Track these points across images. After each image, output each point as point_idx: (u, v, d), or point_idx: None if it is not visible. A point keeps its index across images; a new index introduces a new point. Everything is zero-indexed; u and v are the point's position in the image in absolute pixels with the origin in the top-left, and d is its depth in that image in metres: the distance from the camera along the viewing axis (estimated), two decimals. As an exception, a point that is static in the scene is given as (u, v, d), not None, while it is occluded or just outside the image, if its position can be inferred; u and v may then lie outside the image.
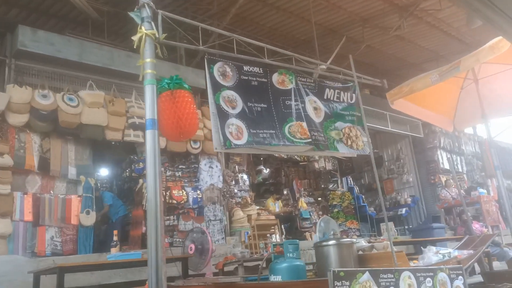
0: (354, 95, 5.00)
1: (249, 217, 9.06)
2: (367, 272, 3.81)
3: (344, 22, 10.88)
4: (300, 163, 10.58)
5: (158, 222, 2.98)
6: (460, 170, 14.67)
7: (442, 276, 4.51)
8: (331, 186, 11.28)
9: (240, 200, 9.14)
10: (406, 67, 13.47)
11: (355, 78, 4.66)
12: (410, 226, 11.93)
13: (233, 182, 9.26)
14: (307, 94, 4.59)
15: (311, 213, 10.79)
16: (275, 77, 4.38)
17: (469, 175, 14.94)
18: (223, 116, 3.83)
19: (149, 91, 3.00)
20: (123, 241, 8.47)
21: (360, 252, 4.61)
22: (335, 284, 3.53)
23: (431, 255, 5.06)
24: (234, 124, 3.85)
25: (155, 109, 3.00)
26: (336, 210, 10.92)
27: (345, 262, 4.25)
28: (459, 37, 11.77)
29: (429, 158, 14.12)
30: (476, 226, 7.63)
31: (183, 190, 8.36)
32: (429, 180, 13.88)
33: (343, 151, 4.79)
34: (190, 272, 5.28)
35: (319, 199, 11.40)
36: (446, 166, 14.13)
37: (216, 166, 8.98)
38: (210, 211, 8.54)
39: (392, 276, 4.02)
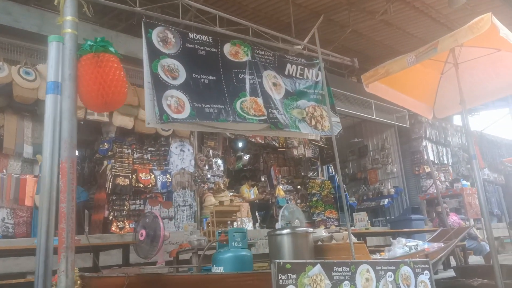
0: (320, 72, 4.61)
1: (221, 203, 8.72)
2: (318, 265, 3.47)
3: (330, 5, 10.44)
4: (278, 150, 10.21)
5: (52, 205, 2.58)
6: (446, 161, 14.41)
7: (405, 270, 4.19)
8: (311, 174, 10.94)
9: (213, 185, 8.78)
10: (394, 55, 13.07)
11: (320, 54, 4.27)
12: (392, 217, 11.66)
13: (206, 167, 8.89)
14: (265, 69, 4.19)
15: (289, 201, 10.45)
16: (227, 48, 3.97)
17: (454, 167, 14.69)
18: (160, 86, 3.43)
19: (53, 49, 2.59)
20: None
21: (320, 243, 4.28)
22: (279, 277, 3.18)
23: (398, 247, 4.74)
24: (174, 96, 3.45)
25: (59, 70, 2.59)
26: (315, 199, 10.60)
27: (299, 253, 3.91)
28: (448, 25, 11.37)
29: (414, 149, 13.84)
30: (453, 218, 7.34)
31: (151, 174, 7.98)
32: (414, 171, 13.62)
33: (305, 131, 4.41)
34: (141, 261, 4.93)
35: (299, 187, 11.07)
36: (431, 157, 13.86)
37: (188, 150, 8.60)
38: (180, 196, 8.18)
39: (348, 269, 3.68)
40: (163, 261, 4.95)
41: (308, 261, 3.38)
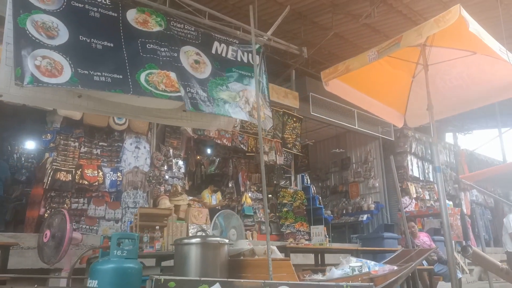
0: (258, 57, 3.98)
1: (177, 207, 8.05)
2: (217, 284, 2.80)
3: (313, 6, 9.86)
4: (247, 154, 9.55)
5: None
6: (432, 179, 13.74)
7: (339, 295, 3.51)
8: (283, 183, 10.27)
9: (170, 188, 8.11)
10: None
11: (253, 35, 3.65)
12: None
13: (165, 168, 8.22)
14: (184, 43, 3.57)
15: (257, 210, 9.78)
16: (132, 14, 3.35)
17: (440, 186, 13.99)
18: (27, 43, 2.80)
19: None
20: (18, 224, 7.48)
21: (242, 257, 3.61)
22: (157, 297, 2.52)
23: (340, 268, 4.07)
24: (48, 57, 2.83)
25: None
26: (285, 209, 9.90)
27: (209, 268, 3.24)
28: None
29: (398, 164, 13.17)
30: (423, 239, 6.68)
31: (99, 170, 7.31)
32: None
33: (237, 115, 3.78)
34: (43, 266, 4.26)
35: (269, 196, 10.39)
36: (416, 173, 13.23)
37: (144, 147, 7.95)
38: (130, 197, 7.50)
39: (260, 291, 3.02)
40: (69, 269, 4.26)
41: (202, 279, 2.72)
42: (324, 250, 5.50)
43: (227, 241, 3.41)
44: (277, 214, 9.93)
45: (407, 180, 12.85)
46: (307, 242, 8.80)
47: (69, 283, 2.91)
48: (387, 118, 6.29)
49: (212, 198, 8.74)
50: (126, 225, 7.27)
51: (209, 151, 10.52)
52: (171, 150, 8.39)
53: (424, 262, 6.20)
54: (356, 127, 12.05)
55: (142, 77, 3.16)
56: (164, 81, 3.23)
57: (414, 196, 12.71)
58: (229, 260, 3.42)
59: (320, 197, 11.24)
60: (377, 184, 12.94)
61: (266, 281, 3.08)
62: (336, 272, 3.94)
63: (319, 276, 4.23)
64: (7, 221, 7.74)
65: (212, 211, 8.60)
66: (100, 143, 7.58)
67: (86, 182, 7.08)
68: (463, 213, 10.69)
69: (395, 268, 4.31)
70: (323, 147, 14.64)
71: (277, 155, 9.68)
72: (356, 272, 3.97)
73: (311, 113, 10.76)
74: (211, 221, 8.25)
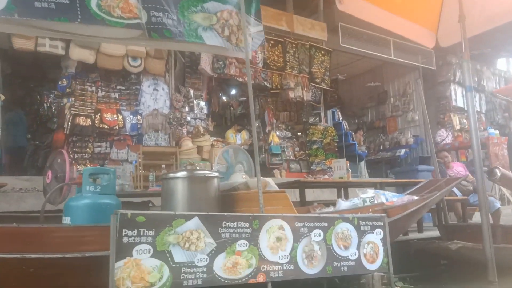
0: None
1: (200, 148, 7.95)
2: (195, 218, 2.59)
3: None
4: (271, 91, 9.13)
5: None
6: (478, 109, 12.74)
7: (343, 227, 3.23)
8: (312, 120, 9.84)
9: (192, 129, 7.96)
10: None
11: None
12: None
13: (186, 109, 8.03)
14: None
15: (285, 149, 9.51)
16: None
17: (488, 115, 13.02)
18: None
19: None
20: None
21: (235, 192, 3.37)
22: (124, 233, 2.34)
23: (348, 200, 3.76)
24: None
25: None
26: (315, 146, 9.55)
27: (197, 202, 3.04)
28: None
29: (440, 94, 12.29)
30: (458, 169, 6.15)
31: (118, 114, 7.25)
32: (438, 119, 12.14)
33: (212, 42, 3.38)
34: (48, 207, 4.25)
35: (299, 134, 10.04)
36: (460, 103, 12.28)
37: (163, 89, 7.76)
38: (152, 139, 7.44)
39: (247, 225, 2.78)
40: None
41: (177, 213, 2.50)
42: (343, 184, 5.19)
43: (216, 174, 3.18)
44: (306, 152, 9.62)
45: (449, 111, 11.98)
46: (326, 177, 8.50)
47: (41, 219, 2.83)
48: (416, 38, 5.60)
49: (237, 137, 8.54)
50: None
51: (233, 91, 10.17)
52: (191, 91, 8.14)
53: (458, 193, 5.75)
54: (392, 57, 11.16)
55: (94, 2, 2.81)
56: (120, 5, 2.86)
57: (458, 127, 11.86)
58: (221, 195, 3.21)
59: (353, 133, 10.71)
60: (417, 117, 12.18)
61: (254, 214, 2.85)
62: (343, 204, 3.64)
63: (330, 210, 3.97)
64: (39, 167, 7.98)
65: (238, 151, 8.46)
66: (118, 87, 7.46)
67: (106, 126, 7.05)
68: (511, 142, 9.86)
69: (414, 198, 3.94)
70: (358, 82, 13.85)
71: (304, 91, 9.20)
72: (368, 203, 3.66)
73: (341, 44, 10.02)
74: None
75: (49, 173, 4.20)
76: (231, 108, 10.31)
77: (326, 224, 3.14)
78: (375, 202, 3.67)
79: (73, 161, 6.71)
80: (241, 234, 2.74)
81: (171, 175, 3.05)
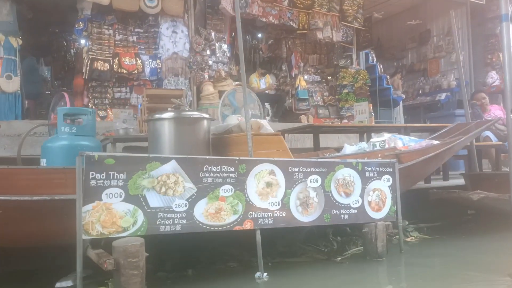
0: None
1: (222, 93, 7.71)
2: (173, 161, 2.41)
3: None
4: (298, 32, 8.56)
5: None
6: (533, 48, 11.53)
7: (345, 173, 2.97)
8: (342, 62, 9.26)
9: (214, 73, 7.71)
10: None
11: None
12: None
13: (208, 52, 7.73)
14: None
15: (314, 94, 9.10)
16: None
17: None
18: None
19: None
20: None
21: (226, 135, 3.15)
22: (92, 176, 2.21)
23: (355, 144, 3.45)
24: None
25: None
26: (345, 91, 9.06)
27: (184, 146, 2.85)
28: None
29: (488, 32, 11.18)
30: (496, 112, 5.56)
31: (137, 58, 7.08)
32: (485, 59, 11.14)
33: None
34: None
35: (329, 78, 9.53)
36: None
37: (182, 31, 7.45)
38: (172, 84, 7.27)
39: (232, 169, 2.59)
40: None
41: (152, 156, 2.34)
42: (363, 129, 4.82)
43: (206, 115, 2.95)
44: (336, 96, 9.16)
45: (499, 50, 10.90)
46: (345, 121, 8.03)
47: (18, 162, 2.75)
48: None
49: (261, 82, 8.20)
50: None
51: (259, 32, 9.67)
52: (213, 33, 7.80)
53: (494, 138, 5.25)
54: (435, -9, 10.16)
55: None
56: None
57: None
58: (212, 138, 3.00)
59: (388, 77, 10.05)
60: (462, 58, 11.20)
61: (241, 157, 2.63)
62: (348, 149, 3.35)
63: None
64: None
65: (262, 96, 8.17)
66: (136, 30, 7.24)
67: (125, 71, 6.93)
68: None
69: (434, 143, 3.57)
70: (399, 21, 12.81)
71: (334, 31, 8.61)
72: (378, 148, 3.34)
73: (376, -24, 9.19)
74: (261, 106, 7.90)
75: (52, 116, 4.15)
76: (260, 51, 9.87)
77: (324, 170, 2.89)
78: (386, 146, 3.35)
79: (93, 106, 6.72)
80: (225, 179, 2.55)
81: (157, 116, 2.86)
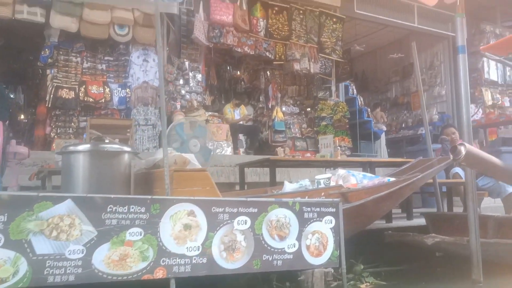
0: None
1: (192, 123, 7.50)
2: (68, 200, 2.14)
3: None
4: (274, 63, 8.44)
5: None
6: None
7: (279, 214, 2.70)
8: (321, 94, 9.12)
9: (186, 103, 7.52)
10: None
11: None
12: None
13: (181, 82, 7.58)
14: None
15: (291, 126, 8.91)
16: None
17: (525, 90, 11.76)
18: None
19: None
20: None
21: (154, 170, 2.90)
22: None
23: (296, 182, 3.20)
24: None
25: None
26: (324, 123, 8.87)
27: (102, 182, 2.59)
28: None
29: (470, 66, 11.09)
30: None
31: (105, 87, 6.91)
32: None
33: None
34: None
35: (308, 109, 9.37)
36: (494, 76, 11.12)
37: (154, 60, 7.32)
38: (141, 114, 7.07)
39: (143, 209, 2.31)
40: (16, 185, 3.94)
41: (41, 194, 2.06)
42: (328, 163, 4.57)
43: (127, 148, 2.71)
44: (314, 129, 8.97)
45: (481, 85, 10.88)
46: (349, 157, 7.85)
47: None
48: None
49: (235, 112, 8.01)
50: (137, 142, 6.95)
51: (238, 63, 9.56)
52: (187, 63, 7.67)
53: (464, 175, 5.00)
54: (416, 25, 10.18)
55: None
56: None
57: (490, 103, 10.76)
58: (141, 174, 2.75)
59: (368, 110, 9.91)
60: (444, 92, 11.18)
61: (154, 196, 2.36)
62: (288, 186, 3.09)
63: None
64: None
65: (236, 127, 7.98)
66: (105, 58, 7.11)
67: (91, 99, 6.75)
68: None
69: (390, 180, 3.32)
70: (383, 55, 12.86)
71: (312, 62, 8.50)
72: (322, 186, 3.08)
73: (356, 11, 9.18)
74: (232, 137, 7.67)
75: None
76: (242, 81, 9.70)
77: (255, 210, 2.62)
78: (332, 184, 3.10)
79: (56, 136, 6.48)
80: (133, 221, 2.27)
81: (71, 148, 2.62)
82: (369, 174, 3.62)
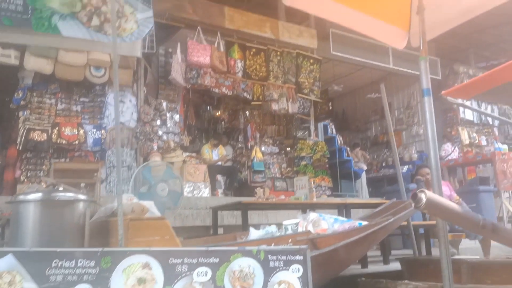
0: None
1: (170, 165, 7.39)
2: (9, 256, 2.00)
3: None
4: (252, 103, 8.49)
5: None
6: (490, 122, 11.79)
7: (243, 263, 2.56)
8: (300, 134, 9.16)
9: (163, 144, 7.44)
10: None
11: None
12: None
13: (158, 122, 7.54)
14: None
15: (271, 166, 8.86)
16: None
17: (501, 129, 12.02)
18: None
19: None
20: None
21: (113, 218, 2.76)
22: None
23: (266, 228, 3.09)
24: None
25: None
26: (303, 163, 8.85)
27: (55, 234, 2.44)
28: None
29: (446, 106, 11.39)
30: (443, 188, 5.31)
31: (79, 128, 6.80)
32: (445, 133, 11.24)
33: (71, 33, 2.81)
34: None
35: (288, 149, 9.37)
36: (469, 116, 11.36)
37: (130, 101, 7.27)
38: (115, 155, 6.95)
39: (92, 263, 2.17)
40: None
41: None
42: (303, 206, 4.49)
43: (82, 197, 2.59)
44: (294, 168, 8.92)
45: (457, 124, 11.08)
46: (329, 197, 7.78)
47: None
48: (383, 39, 4.89)
49: (213, 153, 7.94)
50: (111, 185, 6.77)
51: (215, 103, 9.60)
52: (164, 103, 7.66)
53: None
54: (392, 66, 10.46)
55: None
56: None
57: (467, 142, 10.92)
58: (98, 223, 2.62)
59: (348, 149, 9.96)
60: (421, 131, 11.33)
61: (105, 249, 2.23)
62: (253, 233, 2.98)
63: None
64: None
65: (214, 168, 7.88)
66: (81, 99, 7.02)
67: (64, 141, 6.60)
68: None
69: (360, 224, 3.23)
70: (361, 95, 13.12)
71: (290, 102, 8.56)
72: (289, 232, 2.98)
73: (332, 52, 9.40)
74: (210, 178, 7.55)
75: None
76: (223, 122, 9.68)
77: (216, 260, 2.48)
78: (300, 230, 2.99)
79: (25, 179, 6.28)
80: (81, 276, 2.12)
81: (21, 197, 2.49)
82: (341, 218, 3.53)
